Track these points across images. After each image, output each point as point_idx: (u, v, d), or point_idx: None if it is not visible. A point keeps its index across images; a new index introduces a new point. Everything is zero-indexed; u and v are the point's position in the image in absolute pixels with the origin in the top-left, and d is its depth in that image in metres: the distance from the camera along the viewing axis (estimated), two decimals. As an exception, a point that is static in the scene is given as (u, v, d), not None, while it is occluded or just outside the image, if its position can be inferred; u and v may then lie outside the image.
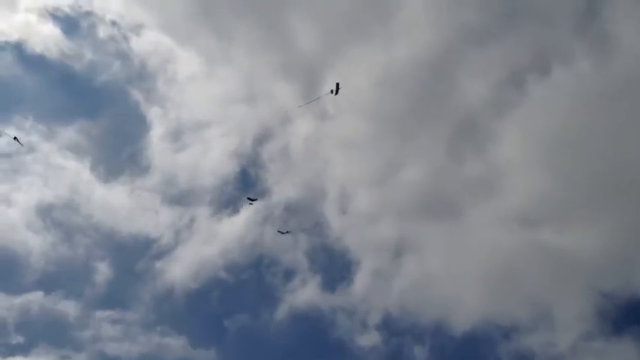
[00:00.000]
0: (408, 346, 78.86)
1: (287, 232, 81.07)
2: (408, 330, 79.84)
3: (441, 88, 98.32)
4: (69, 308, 77.10)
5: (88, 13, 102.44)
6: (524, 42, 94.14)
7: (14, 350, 71.38)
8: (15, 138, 73.74)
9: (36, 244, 79.72)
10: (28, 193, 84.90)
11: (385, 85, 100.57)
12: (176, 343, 77.20)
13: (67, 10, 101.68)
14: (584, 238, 79.39)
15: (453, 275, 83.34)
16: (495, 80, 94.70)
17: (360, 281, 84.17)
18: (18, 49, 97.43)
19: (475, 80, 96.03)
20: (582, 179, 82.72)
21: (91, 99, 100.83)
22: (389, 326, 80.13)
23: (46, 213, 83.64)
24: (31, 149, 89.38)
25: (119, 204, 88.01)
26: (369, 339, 79.26)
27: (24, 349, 72.01)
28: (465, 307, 79.77)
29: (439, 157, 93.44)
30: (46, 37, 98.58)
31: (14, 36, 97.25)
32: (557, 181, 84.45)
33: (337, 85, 73.46)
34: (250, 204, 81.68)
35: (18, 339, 72.58)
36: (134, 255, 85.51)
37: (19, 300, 75.18)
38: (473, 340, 77.72)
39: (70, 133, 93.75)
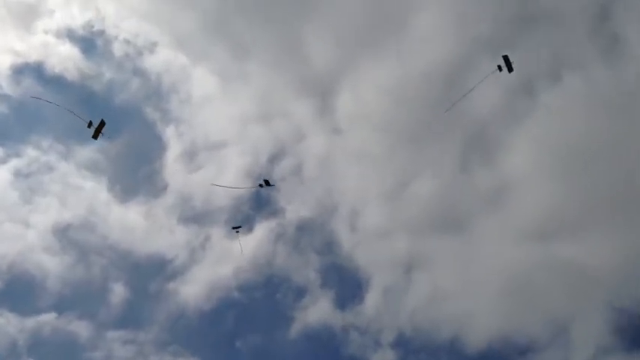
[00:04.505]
0: (424, 364, 77.18)
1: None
2: (422, 348, 78.49)
3: (453, 99, 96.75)
4: (81, 329, 77.89)
5: (101, 32, 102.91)
6: (534, 48, 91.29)
7: (26, 373, 71.86)
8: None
9: (52, 266, 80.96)
10: (45, 214, 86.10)
11: (398, 98, 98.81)
12: (189, 363, 76.93)
13: (80, 30, 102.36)
14: (600, 251, 76.47)
15: (465, 291, 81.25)
16: (506, 89, 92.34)
17: (372, 298, 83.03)
18: (37, 70, 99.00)
19: (487, 90, 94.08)
20: (597, 189, 79.77)
21: (108, 118, 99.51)
22: (403, 344, 78.87)
23: (62, 234, 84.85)
24: (50, 169, 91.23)
25: (135, 224, 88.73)
26: (383, 357, 78.37)
27: (35, 372, 72.29)
28: (480, 323, 77.85)
29: (451, 170, 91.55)
30: (64, 58, 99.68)
31: (33, 57, 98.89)
32: (572, 192, 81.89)
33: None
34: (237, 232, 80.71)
35: (29, 361, 72.93)
36: (149, 275, 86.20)
37: (31, 321, 76.30)
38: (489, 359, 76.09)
39: (87, 152, 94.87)
